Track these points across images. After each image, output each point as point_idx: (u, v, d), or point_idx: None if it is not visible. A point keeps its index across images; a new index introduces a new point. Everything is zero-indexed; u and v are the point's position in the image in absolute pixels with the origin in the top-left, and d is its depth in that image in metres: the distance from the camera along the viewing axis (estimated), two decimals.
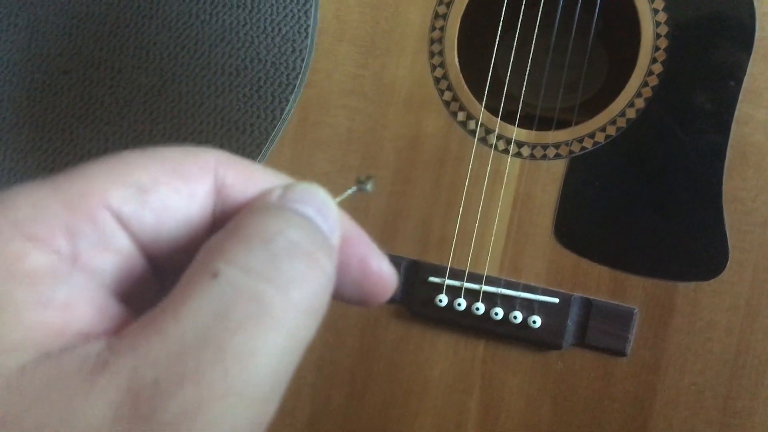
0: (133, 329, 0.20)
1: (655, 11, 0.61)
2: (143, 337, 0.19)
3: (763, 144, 0.61)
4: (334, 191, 0.25)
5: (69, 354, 0.20)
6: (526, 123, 0.66)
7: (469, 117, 0.66)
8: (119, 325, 0.22)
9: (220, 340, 0.19)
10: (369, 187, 0.27)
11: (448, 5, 0.66)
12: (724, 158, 0.61)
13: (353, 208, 0.25)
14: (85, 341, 0.20)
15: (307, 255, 0.21)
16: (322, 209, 0.23)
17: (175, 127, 1.19)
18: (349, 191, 0.27)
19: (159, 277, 0.24)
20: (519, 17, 0.66)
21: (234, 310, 0.20)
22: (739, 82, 0.60)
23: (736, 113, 0.61)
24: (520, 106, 0.66)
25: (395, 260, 0.67)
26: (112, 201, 0.22)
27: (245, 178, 0.24)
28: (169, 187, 0.23)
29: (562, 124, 0.66)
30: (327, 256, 0.22)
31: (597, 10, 0.66)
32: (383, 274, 0.24)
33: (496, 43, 0.66)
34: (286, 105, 0.74)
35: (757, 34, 0.60)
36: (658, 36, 0.62)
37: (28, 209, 0.21)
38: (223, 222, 0.23)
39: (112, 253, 0.22)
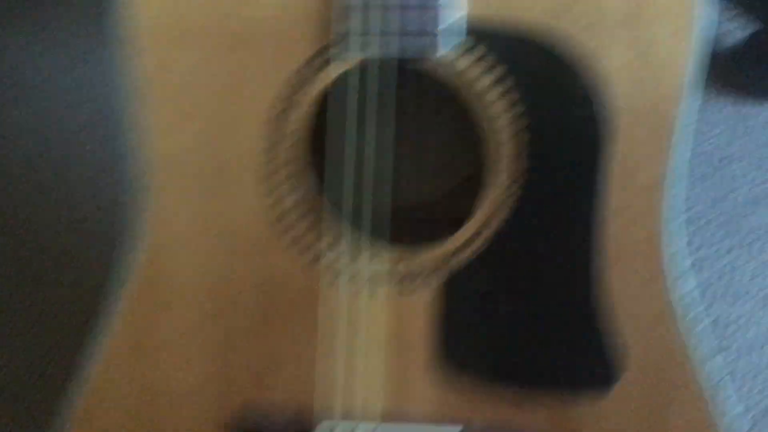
0: None
1: (504, 123, 0.57)
2: None
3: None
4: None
5: None
6: (398, 233, 0.60)
7: (328, 248, 0.60)
8: None
9: None
10: None
11: (283, 131, 0.59)
12: (595, 261, 0.57)
13: None
14: None
15: None
16: None
17: None
18: None
19: None
20: (363, 129, 0.60)
21: None
22: (600, 179, 0.56)
23: (598, 214, 0.57)
24: (383, 221, 0.61)
25: (272, 414, 0.61)
26: None
27: None
28: None
29: (438, 223, 0.61)
30: None
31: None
32: None
33: (344, 162, 0.61)
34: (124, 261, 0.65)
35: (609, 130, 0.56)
36: (511, 137, 0.57)
37: None
38: None
39: None
